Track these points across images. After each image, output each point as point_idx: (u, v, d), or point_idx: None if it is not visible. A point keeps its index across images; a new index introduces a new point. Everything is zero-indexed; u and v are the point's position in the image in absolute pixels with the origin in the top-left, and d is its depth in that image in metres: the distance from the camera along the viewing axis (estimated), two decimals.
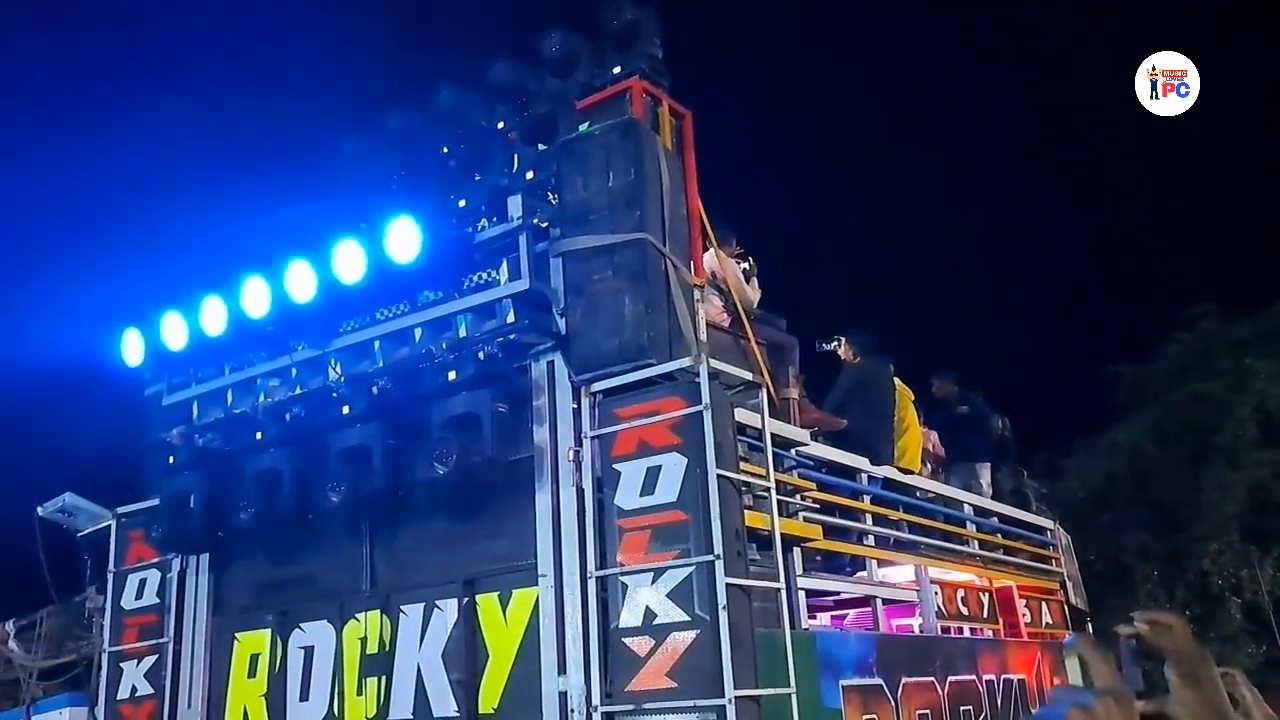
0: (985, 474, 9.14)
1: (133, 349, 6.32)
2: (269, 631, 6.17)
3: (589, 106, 5.87)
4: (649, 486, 4.83)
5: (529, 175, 5.69)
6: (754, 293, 6.95)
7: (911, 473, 7.69)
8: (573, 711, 4.83)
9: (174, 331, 6.14)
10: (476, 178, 5.87)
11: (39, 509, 8.12)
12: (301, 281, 5.64)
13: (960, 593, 7.54)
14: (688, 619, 4.59)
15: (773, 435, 5.31)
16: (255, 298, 5.82)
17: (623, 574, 4.79)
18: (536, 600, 5.14)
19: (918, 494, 7.65)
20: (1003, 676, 7.26)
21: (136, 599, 6.78)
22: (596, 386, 5.13)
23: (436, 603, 5.54)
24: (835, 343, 8.12)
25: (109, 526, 7.09)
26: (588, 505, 5.02)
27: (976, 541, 8.26)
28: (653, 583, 4.71)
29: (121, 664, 6.71)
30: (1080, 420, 19.30)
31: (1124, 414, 18.55)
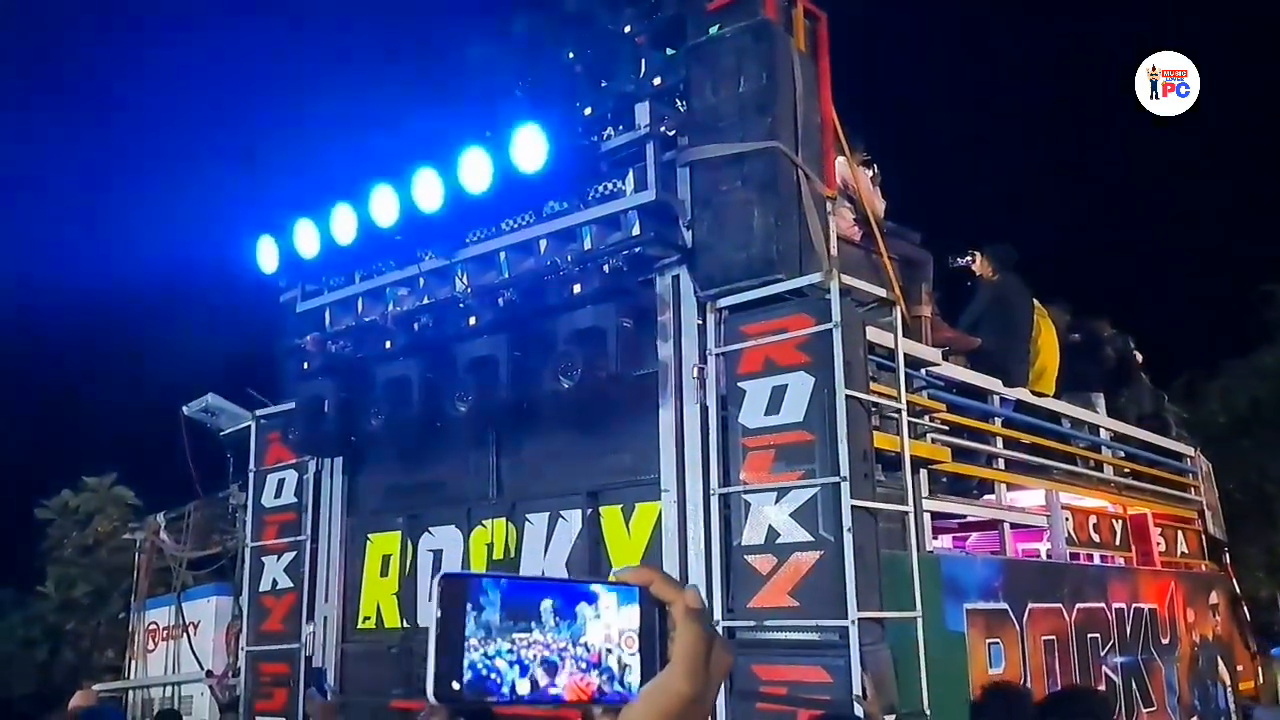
0: (1100, 402, 8.70)
1: (267, 256, 6.46)
2: (399, 534, 6.37)
3: (719, 8, 5.60)
4: (774, 405, 4.73)
5: (656, 81, 5.50)
6: (880, 202, 6.67)
7: (1046, 395, 7.38)
8: None
9: (306, 239, 6.23)
10: (603, 84, 5.72)
11: (184, 408, 8.54)
12: (428, 191, 5.62)
13: (1092, 519, 7.28)
14: (811, 539, 4.53)
15: (904, 355, 5.13)
16: (384, 206, 5.85)
17: (745, 492, 4.75)
18: (659, 514, 5.15)
19: (1055, 418, 7.37)
20: (1134, 605, 7.03)
21: (276, 497, 7.06)
22: (723, 302, 5.01)
23: (561, 513, 5.62)
24: (970, 257, 7.71)
25: (249, 427, 7.37)
26: (711, 422, 4.96)
27: (1110, 467, 7.96)
28: (776, 502, 4.65)
29: (263, 558, 7.03)
30: (1227, 341, 18.35)
31: (1273, 335, 17.54)
